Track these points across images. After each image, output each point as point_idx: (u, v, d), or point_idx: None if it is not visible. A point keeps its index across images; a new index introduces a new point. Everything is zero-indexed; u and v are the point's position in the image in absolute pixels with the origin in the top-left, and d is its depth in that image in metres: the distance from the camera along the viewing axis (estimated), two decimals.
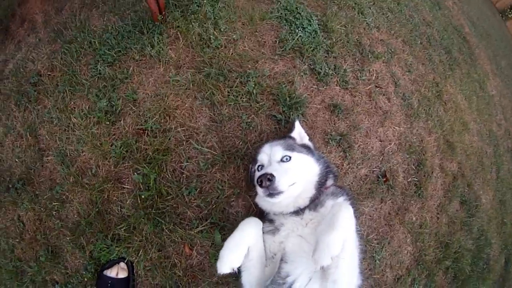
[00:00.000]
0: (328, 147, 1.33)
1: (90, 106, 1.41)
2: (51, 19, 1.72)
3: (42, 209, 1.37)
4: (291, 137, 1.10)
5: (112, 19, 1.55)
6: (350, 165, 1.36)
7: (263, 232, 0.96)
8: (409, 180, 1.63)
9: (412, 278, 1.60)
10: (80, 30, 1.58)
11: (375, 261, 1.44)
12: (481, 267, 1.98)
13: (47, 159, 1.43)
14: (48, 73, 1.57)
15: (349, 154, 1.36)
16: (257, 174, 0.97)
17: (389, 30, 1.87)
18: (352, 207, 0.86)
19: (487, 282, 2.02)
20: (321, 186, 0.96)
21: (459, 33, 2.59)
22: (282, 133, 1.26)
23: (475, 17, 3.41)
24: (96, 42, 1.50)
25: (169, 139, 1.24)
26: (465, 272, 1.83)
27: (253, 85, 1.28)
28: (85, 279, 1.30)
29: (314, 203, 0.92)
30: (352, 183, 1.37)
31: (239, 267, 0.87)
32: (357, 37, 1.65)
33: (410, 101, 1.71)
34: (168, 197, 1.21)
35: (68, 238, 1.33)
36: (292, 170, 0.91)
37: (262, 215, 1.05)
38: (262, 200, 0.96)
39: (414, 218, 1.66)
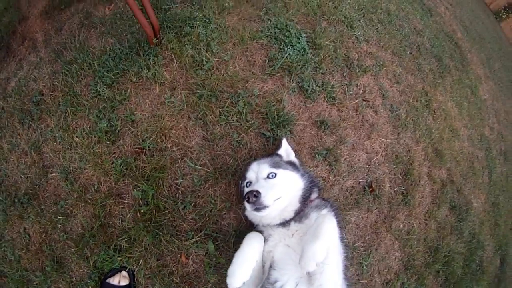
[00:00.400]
0: (315, 162, 1.42)
1: (91, 126, 1.51)
2: (51, 39, 1.82)
3: (47, 222, 1.49)
4: (278, 155, 1.20)
5: (110, 40, 1.65)
6: (336, 177, 1.46)
7: None
8: (395, 189, 1.72)
9: (401, 282, 1.68)
10: (80, 51, 1.68)
11: (363, 267, 1.54)
12: (474, 269, 2.03)
13: (51, 176, 1.54)
14: (50, 92, 1.67)
15: (335, 167, 1.45)
16: (246, 190, 1.07)
17: (378, 42, 1.94)
18: (336, 218, 0.97)
19: (481, 283, 2.08)
20: (305, 199, 1.05)
21: (451, 39, 2.63)
22: (271, 150, 1.36)
23: (468, 21, 3.43)
24: (95, 64, 1.60)
25: (165, 157, 1.35)
26: (457, 274, 1.88)
27: (243, 105, 1.37)
28: (89, 287, 1.43)
29: (299, 215, 1.02)
30: (338, 195, 1.46)
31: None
32: (345, 51, 1.73)
33: (398, 112, 1.78)
34: (165, 211, 1.32)
35: (72, 249, 1.44)
36: (278, 186, 1.01)
37: (252, 226, 1.15)
38: (251, 213, 1.06)
39: (401, 226, 1.75)
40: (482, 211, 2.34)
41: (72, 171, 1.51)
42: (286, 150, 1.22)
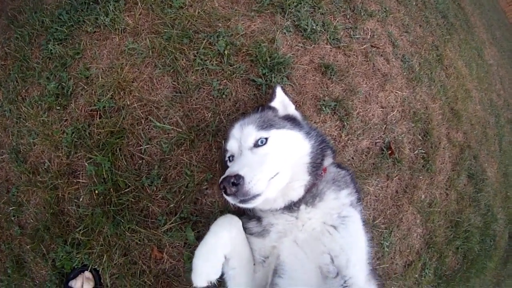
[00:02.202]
0: (322, 116, 0.93)
1: (41, 92, 1.04)
2: (6, 6, 1.36)
3: (0, 215, 1.03)
4: (271, 108, 0.72)
5: None
6: (349, 136, 0.97)
7: (250, 234, 0.66)
8: (416, 152, 1.23)
9: (422, 262, 1.23)
10: (33, 11, 1.21)
11: (383, 248, 1.07)
12: (488, 244, 1.62)
13: (2, 158, 1.09)
14: (2, 62, 1.21)
15: (347, 123, 0.97)
16: (229, 165, 0.64)
17: None
18: (358, 200, 0.64)
19: (493, 259, 1.68)
20: (316, 168, 0.62)
21: None
22: (264, 101, 0.88)
23: None
24: (47, 20, 1.12)
25: (124, 118, 0.87)
26: (474, 251, 1.47)
27: (224, 45, 0.89)
28: None
29: (311, 193, 0.60)
30: (353, 158, 0.98)
31: (222, 276, 0.61)
32: None
33: (410, 63, 1.30)
34: (127, 190, 0.84)
35: (28, 246, 1.00)
36: (271, 156, 0.58)
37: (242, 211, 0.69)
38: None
39: (423, 196, 1.27)
40: (495, 182, 1.87)
41: (21, 150, 1.05)
42: (282, 101, 0.75)
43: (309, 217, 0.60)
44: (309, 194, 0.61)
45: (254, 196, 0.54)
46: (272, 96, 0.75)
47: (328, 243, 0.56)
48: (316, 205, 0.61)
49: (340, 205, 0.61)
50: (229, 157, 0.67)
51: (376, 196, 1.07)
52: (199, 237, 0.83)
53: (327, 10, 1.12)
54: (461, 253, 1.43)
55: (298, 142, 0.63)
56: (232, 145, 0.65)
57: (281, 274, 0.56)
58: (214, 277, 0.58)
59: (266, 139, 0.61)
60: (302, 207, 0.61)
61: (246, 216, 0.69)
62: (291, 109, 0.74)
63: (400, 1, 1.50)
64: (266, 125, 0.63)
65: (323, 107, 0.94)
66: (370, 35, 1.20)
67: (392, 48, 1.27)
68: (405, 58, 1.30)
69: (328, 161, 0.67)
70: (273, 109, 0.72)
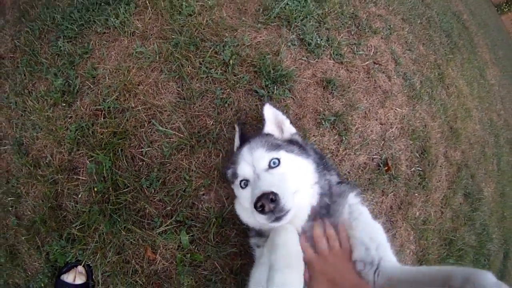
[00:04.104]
0: (321, 129, 0.98)
1: (48, 87, 1.08)
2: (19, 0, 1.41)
3: None
4: (267, 135, 0.71)
5: None
6: (347, 151, 1.01)
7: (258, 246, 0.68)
8: (412, 169, 1.27)
9: None
10: (45, 6, 1.26)
11: None
12: (482, 263, 1.64)
13: (4, 149, 1.12)
14: (11, 55, 1.25)
15: (345, 138, 1.01)
16: (244, 194, 0.64)
17: (387, 7, 1.51)
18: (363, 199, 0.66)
19: None
20: (324, 193, 0.63)
21: (458, 18, 2.20)
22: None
23: (473, 6, 2.99)
24: (59, 17, 1.17)
25: (127, 119, 0.91)
26: None
27: (230, 55, 0.94)
28: (42, 285, 0.99)
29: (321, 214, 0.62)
30: (349, 173, 1.02)
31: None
32: (352, 9, 1.30)
33: (412, 81, 1.35)
34: (125, 190, 0.88)
35: (24, 237, 1.03)
36: (289, 175, 0.60)
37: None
38: (262, 224, 0.61)
39: (417, 213, 1.30)
40: (491, 201, 1.90)
41: (24, 142, 1.08)
42: (275, 121, 0.73)
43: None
44: (322, 211, 0.62)
45: (287, 212, 0.55)
46: (263, 121, 0.71)
47: (355, 235, 0.59)
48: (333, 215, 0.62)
49: (353, 205, 0.64)
50: (241, 182, 0.64)
51: (370, 211, 1.10)
52: (193, 241, 0.86)
53: (332, 25, 1.17)
54: None
55: (309, 170, 0.63)
56: (244, 170, 0.63)
57: None
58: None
59: (278, 160, 0.61)
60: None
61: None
62: (288, 126, 0.73)
63: (405, 19, 1.55)
64: (274, 147, 0.64)
65: (322, 121, 0.98)
66: (373, 52, 1.24)
67: (394, 66, 1.31)
68: (406, 76, 1.34)
69: (333, 179, 0.67)
70: (269, 135, 0.71)
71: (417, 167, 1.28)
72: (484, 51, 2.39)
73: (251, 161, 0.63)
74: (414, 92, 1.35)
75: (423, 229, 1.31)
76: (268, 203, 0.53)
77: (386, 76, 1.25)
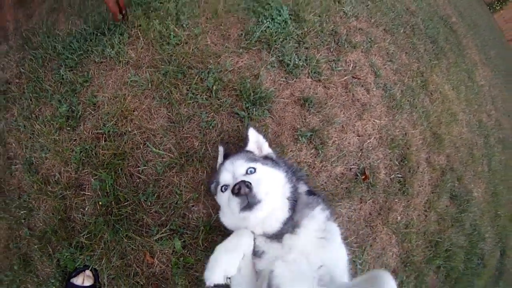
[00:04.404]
0: (298, 145, 1.08)
1: (53, 112, 1.22)
2: (21, 26, 1.53)
3: (11, 217, 1.21)
4: (248, 152, 0.84)
5: (77, 22, 1.34)
6: (323, 163, 1.11)
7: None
8: (392, 176, 1.35)
9: (399, 280, 1.33)
10: (46, 35, 1.39)
11: (356, 265, 1.19)
12: (475, 263, 1.68)
13: (15, 168, 1.26)
14: (16, 80, 1.39)
15: (322, 151, 1.10)
16: (223, 197, 0.74)
17: (369, 19, 1.57)
18: (330, 212, 0.73)
19: (482, 277, 1.73)
20: (293, 204, 0.72)
21: (446, 22, 2.21)
22: (245, 132, 1.02)
23: (462, 8, 2.97)
24: (59, 47, 1.30)
25: (125, 142, 1.03)
26: (458, 269, 1.54)
27: (213, 81, 1.04)
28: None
29: (287, 225, 0.69)
30: (326, 183, 1.11)
31: (229, 279, 0.64)
32: (332, 26, 1.37)
33: (392, 91, 1.42)
34: (126, 203, 1.00)
35: (36, 246, 1.16)
36: (262, 179, 0.70)
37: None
38: (236, 217, 0.69)
39: (399, 218, 1.38)
40: (482, 201, 1.94)
41: (34, 162, 1.22)
42: (256, 142, 0.87)
43: (293, 243, 0.67)
44: (286, 226, 0.68)
45: (259, 201, 0.63)
46: (246, 140, 0.85)
47: (321, 255, 0.64)
48: (297, 232, 0.68)
49: (319, 222, 0.70)
50: (222, 187, 0.75)
51: (348, 218, 1.20)
52: (185, 246, 0.99)
53: (311, 44, 1.26)
54: (443, 272, 1.49)
55: (280, 180, 0.73)
56: (225, 177, 0.74)
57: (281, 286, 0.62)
58: (231, 272, 0.61)
59: (255, 169, 0.72)
60: (286, 236, 0.68)
61: None
62: (266, 148, 0.85)
63: (387, 30, 1.61)
64: (252, 160, 0.76)
65: (299, 137, 1.08)
66: (352, 67, 1.32)
67: (374, 78, 1.38)
68: (386, 87, 1.41)
69: (302, 189, 0.76)
70: (249, 152, 0.83)
71: (397, 174, 1.36)
72: (473, 53, 2.40)
73: (232, 170, 0.74)
74: (394, 102, 1.43)
75: (406, 233, 1.39)
76: (244, 186, 0.63)
77: (364, 89, 1.33)
